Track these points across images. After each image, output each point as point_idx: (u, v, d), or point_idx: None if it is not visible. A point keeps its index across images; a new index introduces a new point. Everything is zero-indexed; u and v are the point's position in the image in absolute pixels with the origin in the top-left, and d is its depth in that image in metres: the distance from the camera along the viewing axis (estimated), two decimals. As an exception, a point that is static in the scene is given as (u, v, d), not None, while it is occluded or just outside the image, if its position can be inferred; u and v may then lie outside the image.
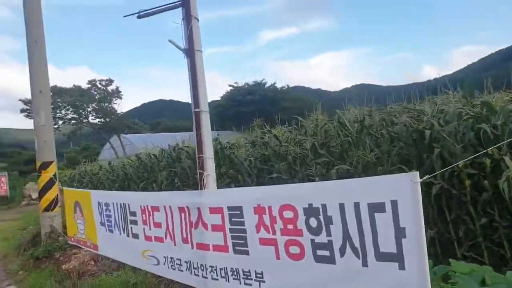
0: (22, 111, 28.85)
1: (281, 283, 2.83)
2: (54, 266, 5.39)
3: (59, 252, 5.83)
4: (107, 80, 30.44)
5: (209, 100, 4.07)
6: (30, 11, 6.90)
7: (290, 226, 2.70)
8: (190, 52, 3.85)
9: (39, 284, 4.92)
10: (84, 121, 30.92)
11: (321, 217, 2.51)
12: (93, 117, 30.19)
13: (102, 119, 30.87)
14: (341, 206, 2.40)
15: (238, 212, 3.11)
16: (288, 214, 2.70)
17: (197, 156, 3.78)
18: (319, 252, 2.55)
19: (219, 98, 43.92)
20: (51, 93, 26.47)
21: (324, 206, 2.49)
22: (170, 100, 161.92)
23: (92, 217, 5.27)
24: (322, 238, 2.53)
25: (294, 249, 2.69)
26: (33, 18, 6.92)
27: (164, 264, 3.80)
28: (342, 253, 2.42)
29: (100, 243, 5.18)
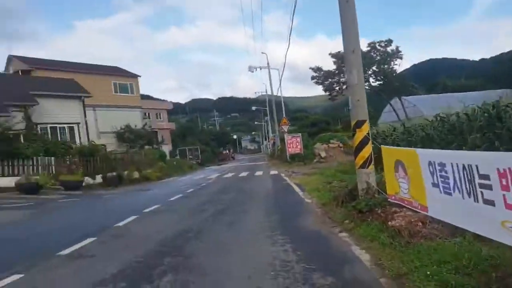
0: (313, 78, 32.44)
1: None
2: (379, 222, 5.49)
3: (379, 208, 5.93)
4: (386, 41, 30.01)
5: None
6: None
7: None
8: None
9: (370, 236, 5.12)
10: (366, 84, 31.67)
11: None
12: (373, 80, 30.63)
13: (381, 82, 30.96)
14: None
15: None
16: None
17: None
18: None
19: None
20: (335, 59, 28.10)
21: None
22: (443, 58, 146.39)
23: (420, 177, 5.00)
24: None
25: None
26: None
27: (544, 241, 3.06)
28: None
29: (430, 205, 4.87)
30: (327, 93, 33.24)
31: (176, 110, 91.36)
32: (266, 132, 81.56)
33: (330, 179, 12.71)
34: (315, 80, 32.11)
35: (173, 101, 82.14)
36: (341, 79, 30.94)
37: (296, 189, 12.43)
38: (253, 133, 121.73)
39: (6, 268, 4.80)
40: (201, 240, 6.00)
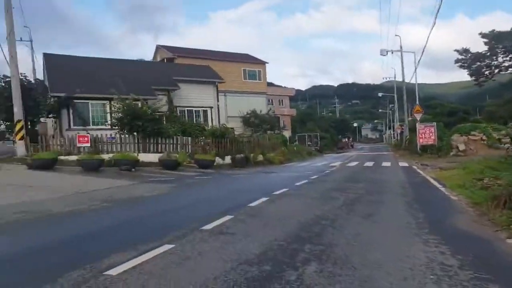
0: (457, 61, 28.82)
1: None
2: None
3: None
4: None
5: None
6: None
7: None
8: None
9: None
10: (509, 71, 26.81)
11: None
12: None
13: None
14: None
15: None
16: None
17: None
18: None
19: None
20: (487, 39, 24.44)
21: None
22: None
23: None
24: None
25: None
26: None
27: None
28: None
29: None
30: (473, 78, 28.99)
31: (296, 96, 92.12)
32: (390, 120, 76.75)
33: (477, 175, 11.14)
34: (460, 63, 28.23)
35: (293, 87, 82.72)
36: (493, 62, 26.52)
37: (436, 184, 11.20)
38: (375, 121, 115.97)
39: (158, 237, 5.19)
40: (338, 229, 5.70)
